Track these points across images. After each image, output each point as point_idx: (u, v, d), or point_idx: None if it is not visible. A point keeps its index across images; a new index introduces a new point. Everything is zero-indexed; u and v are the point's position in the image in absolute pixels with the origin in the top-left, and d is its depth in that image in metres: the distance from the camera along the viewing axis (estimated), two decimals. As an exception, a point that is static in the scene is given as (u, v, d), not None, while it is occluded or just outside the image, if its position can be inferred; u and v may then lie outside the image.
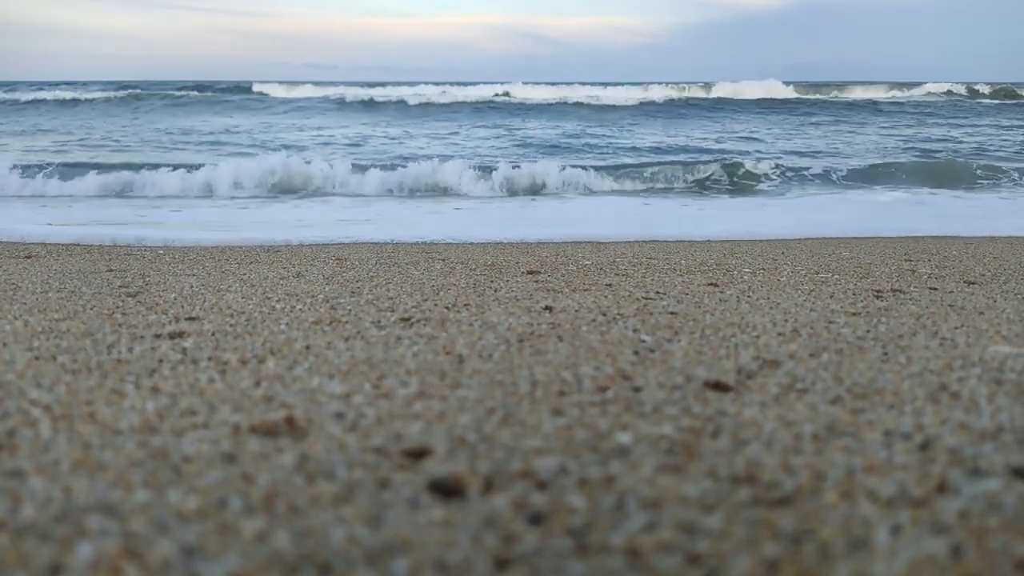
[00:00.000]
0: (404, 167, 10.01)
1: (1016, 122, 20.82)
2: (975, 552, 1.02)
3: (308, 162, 10.08)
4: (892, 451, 1.38)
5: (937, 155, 13.54)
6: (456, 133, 17.37)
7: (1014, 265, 4.20)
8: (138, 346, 2.12)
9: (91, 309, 2.67)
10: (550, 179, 9.98)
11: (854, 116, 22.30)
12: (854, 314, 2.66)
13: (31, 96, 26.55)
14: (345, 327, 2.38)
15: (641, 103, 24.93)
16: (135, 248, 4.96)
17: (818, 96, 32.01)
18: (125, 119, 20.32)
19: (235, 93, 32.63)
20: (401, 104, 24.60)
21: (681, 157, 12.96)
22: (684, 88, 35.27)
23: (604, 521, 1.12)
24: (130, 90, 29.68)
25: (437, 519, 1.12)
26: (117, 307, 2.71)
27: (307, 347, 2.11)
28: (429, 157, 10.75)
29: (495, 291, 3.10)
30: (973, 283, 3.52)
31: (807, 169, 11.19)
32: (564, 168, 10.32)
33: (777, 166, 11.11)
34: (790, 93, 32.56)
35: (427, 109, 23.40)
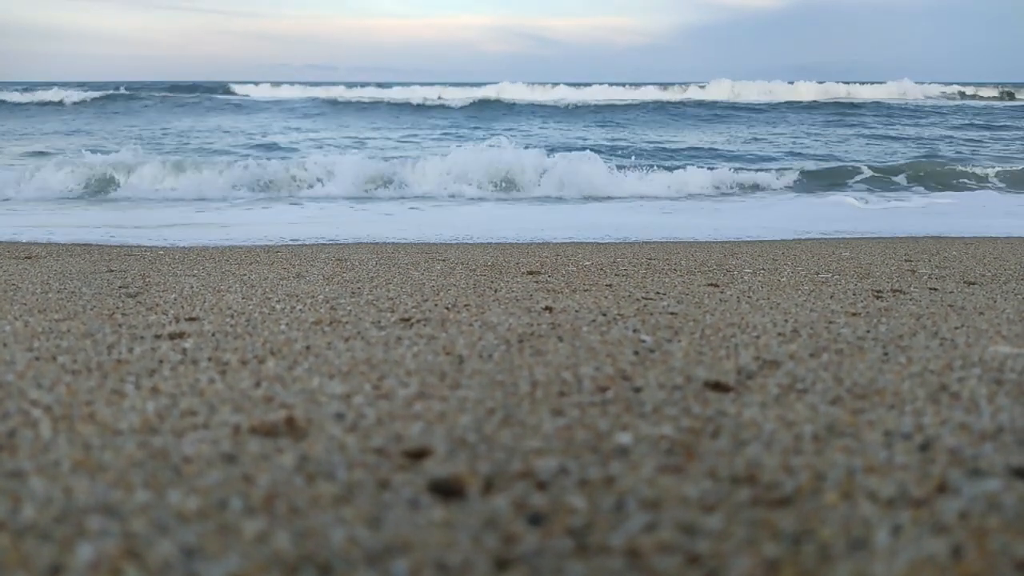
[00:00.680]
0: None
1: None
2: (975, 552, 1.02)
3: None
4: (892, 451, 1.38)
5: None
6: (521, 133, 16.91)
7: (1014, 265, 4.20)
8: (138, 347, 2.12)
9: (91, 310, 2.67)
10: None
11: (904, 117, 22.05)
12: (854, 314, 2.66)
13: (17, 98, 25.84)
14: (345, 328, 2.38)
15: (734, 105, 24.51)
16: (135, 249, 4.96)
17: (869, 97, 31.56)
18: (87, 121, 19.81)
19: (215, 94, 32.14)
20: (405, 105, 24.53)
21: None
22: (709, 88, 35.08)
23: (604, 522, 1.12)
24: (94, 92, 28.71)
25: (437, 520, 1.12)
26: (117, 307, 2.71)
27: (307, 347, 2.11)
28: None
29: (495, 291, 3.10)
30: (973, 283, 3.52)
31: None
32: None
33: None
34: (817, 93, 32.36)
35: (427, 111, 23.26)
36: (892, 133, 18.06)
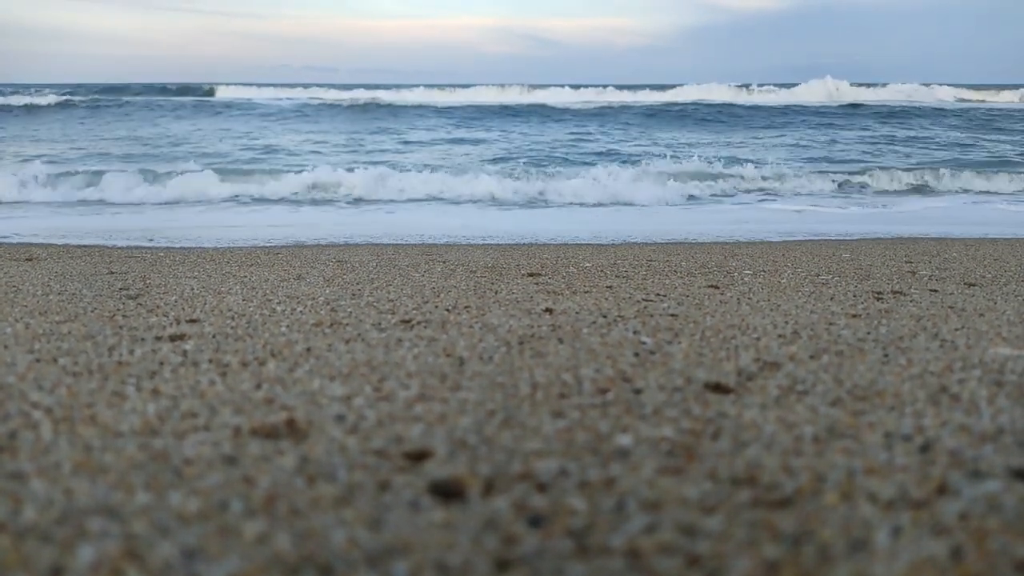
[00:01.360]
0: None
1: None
2: (975, 554, 1.02)
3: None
4: (892, 453, 1.38)
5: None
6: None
7: (1014, 267, 4.20)
8: (139, 348, 2.12)
9: (92, 311, 2.68)
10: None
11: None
12: (854, 316, 2.66)
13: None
14: (346, 329, 2.38)
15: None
16: (136, 250, 4.97)
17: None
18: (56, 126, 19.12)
19: (192, 95, 31.53)
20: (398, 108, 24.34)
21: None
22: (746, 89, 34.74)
23: (604, 523, 1.12)
24: (69, 96, 27.97)
25: (438, 521, 1.12)
26: (118, 309, 2.71)
27: (308, 349, 2.11)
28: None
29: (496, 293, 3.10)
30: (973, 285, 3.52)
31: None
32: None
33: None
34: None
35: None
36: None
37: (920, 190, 10.08)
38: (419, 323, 2.48)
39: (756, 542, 1.06)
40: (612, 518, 1.13)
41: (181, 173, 9.44)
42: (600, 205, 8.52)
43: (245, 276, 3.65)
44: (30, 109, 23.02)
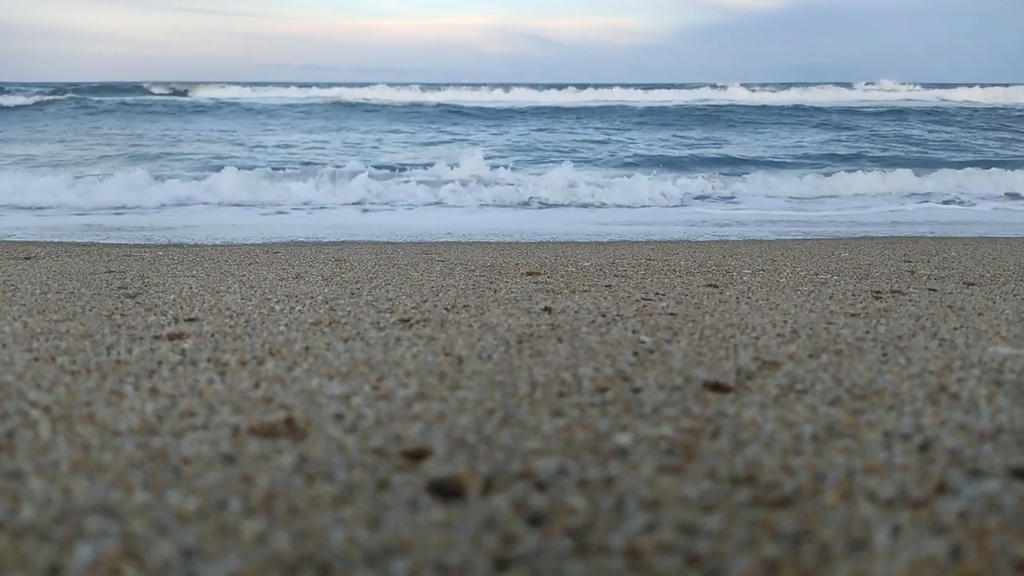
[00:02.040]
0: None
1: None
2: (975, 553, 1.02)
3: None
4: (892, 452, 1.38)
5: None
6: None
7: (1013, 266, 4.21)
8: (137, 347, 2.12)
9: (90, 310, 2.67)
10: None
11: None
12: (853, 315, 2.66)
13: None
14: (344, 328, 2.37)
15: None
16: (134, 249, 4.96)
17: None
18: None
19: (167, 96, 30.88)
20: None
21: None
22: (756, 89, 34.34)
23: (604, 522, 1.12)
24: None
25: (437, 520, 1.12)
26: (116, 308, 2.71)
27: (306, 348, 2.11)
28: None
29: (494, 292, 3.10)
30: (972, 284, 3.52)
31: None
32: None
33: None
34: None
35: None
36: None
37: None
38: (418, 322, 2.47)
39: (756, 541, 1.06)
40: (611, 517, 1.13)
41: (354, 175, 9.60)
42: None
43: (244, 275, 3.65)
44: (40, 106, 22.82)
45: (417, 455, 1.36)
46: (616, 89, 35.91)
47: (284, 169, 10.82)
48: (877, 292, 3.21)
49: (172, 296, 2.98)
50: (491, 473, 1.28)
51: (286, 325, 2.42)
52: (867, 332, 2.37)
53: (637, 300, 2.92)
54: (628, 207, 8.49)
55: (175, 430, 1.47)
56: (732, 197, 9.20)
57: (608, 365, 1.95)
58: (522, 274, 3.70)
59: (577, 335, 2.29)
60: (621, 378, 1.84)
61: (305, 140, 16.24)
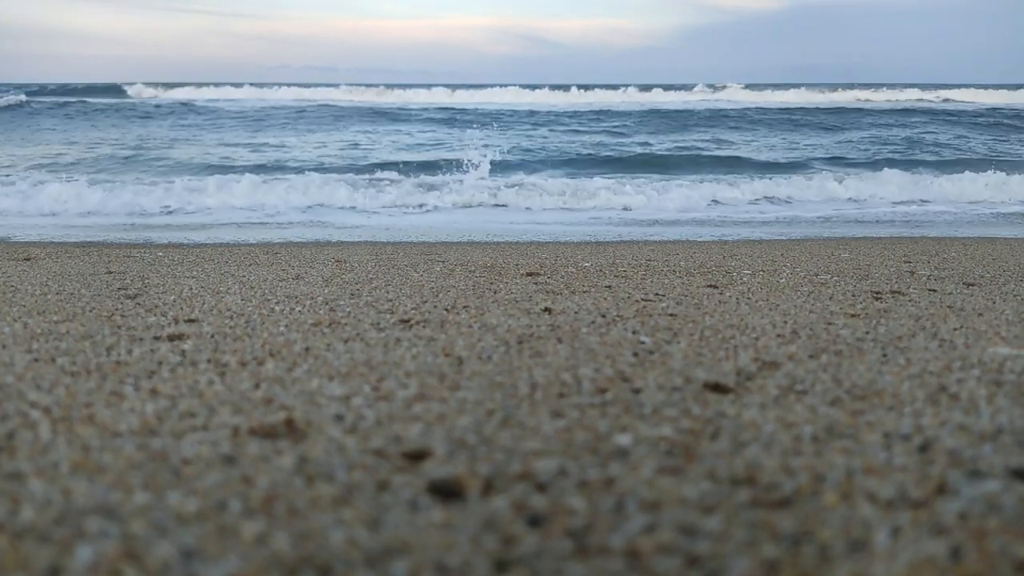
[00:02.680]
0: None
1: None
2: (975, 553, 1.02)
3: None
4: (892, 453, 1.38)
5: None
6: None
7: (1013, 267, 4.21)
8: (137, 348, 2.12)
9: (90, 311, 2.67)
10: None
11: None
12: (853, 316, 2.66)
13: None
14: (344, 329, 2.37)
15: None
16: (134, 250, 4.96)
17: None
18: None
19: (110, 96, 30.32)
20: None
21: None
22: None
23: (604, 523, 1.12)
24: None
25: (437, 521, 1.12)
26: (116, 309, 2.71)
27: (306, 349, 2.11)
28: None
29: (494, 293, 3.10)
30: (972, 285, 3.52)
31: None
32: None
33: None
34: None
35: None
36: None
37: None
38: (418, 323, 2.47)
39: (755, 542, 1.06)
40: (611, 518, 1.13)
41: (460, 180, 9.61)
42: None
43: (244, 276, 3.65)
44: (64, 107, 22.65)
45: (417, 456, 1.36)
46: (630, 90, 35.87)
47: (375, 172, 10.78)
48: (877, 292, 3.21)
49: (172, 297, 2.98)
50: (491, 474, 1.28)
51: (286, 326, 2.42)
52: (867, 333, 2.37)
53: (637, 301, 2.92)
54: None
55: (175, 431, 1.47)
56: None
57: (608, 366, 1.95)
58: (522, 275, 3.70)
59: (577, 336, 2.29)
60: (621, 379, 1.84)
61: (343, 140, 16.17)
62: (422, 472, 1.29)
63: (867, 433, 1.48)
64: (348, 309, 2.71)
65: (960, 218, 7.96)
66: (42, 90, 32.99)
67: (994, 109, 24.91)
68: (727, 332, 2.36)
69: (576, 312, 2.67)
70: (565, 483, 1.25)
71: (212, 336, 2.27)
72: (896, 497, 1.19)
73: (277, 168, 12.18)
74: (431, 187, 9.35)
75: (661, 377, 1.85)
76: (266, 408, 1.61)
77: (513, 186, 9.42)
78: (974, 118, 21.63)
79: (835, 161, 13.78)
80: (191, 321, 2.50)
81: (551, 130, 18.82)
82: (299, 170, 11.68)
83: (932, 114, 22.90)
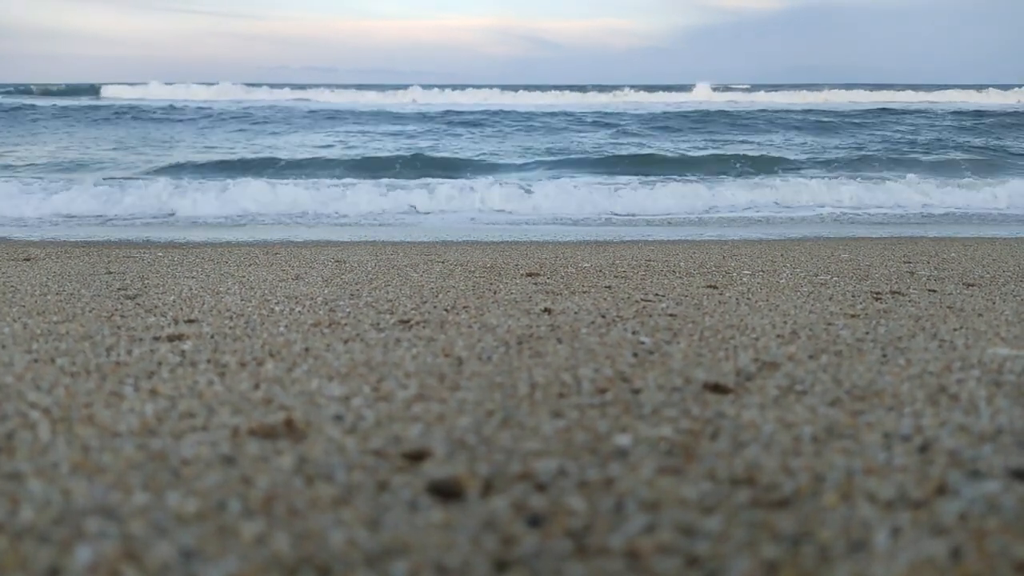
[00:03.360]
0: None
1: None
2: (975, 554, 1.02)
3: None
4: (891, 453, 1.38)
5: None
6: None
7: (1013, 267, 4.21)
8: (137, 348, 2.12)
9: (90, 311, 2.67)
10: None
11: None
12: (853, 316, 2.66)
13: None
14: (344, 329, 2.37)
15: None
16: (134, 250, 4.96)
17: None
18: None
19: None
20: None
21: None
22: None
23: (603, 523, 1.12)
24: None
25: (436, 521, 1.12)
26: (116, 309, 2.71)
27: (306, 349, 2.11)
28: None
29: (494, 293, 3.10)
30: (972, 285, 3.52)
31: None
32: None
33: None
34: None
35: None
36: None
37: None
38: (418, 323, 2.47)
39: (755, 542, 1.06)
40: (611, 518, 1.13)
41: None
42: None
43: (243, 276, 3.65)
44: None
45: (417, 456, 1.35)
46: (632, 91, 35.87)
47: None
48: (877, 293, 3.21)
49: (172, 297, 2.98)
50: (491, 474, 1.28)
51: (286, 326, 2.42)
52: (867, 333, 2.37)
53: (637, 301, 2.92)
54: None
55: (175, 431, 1.47)
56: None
57: (608, 366, 1.95)
58: (522, 275, 3.70)
59: (577, 336, 2.29)
60: (621, 379, 1.84)
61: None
62: (422, 472, 1.29)
63: (867, 433, 1.48)
64: (348, 309, 2.71)
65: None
66: (42, 91, 32.90)
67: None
68: (727, 332, 2.36)
69: (576, 312, 2.67)
70: (565, 483, 1.25)
71: (212, 336, 2.27)
72: (896, 497, 1.19)
73: (277, 168, 12.18)
74: (431, 187, 9.36)
75: (661, 377, 1.85)
76: (266, 408, 1.61)
77: (513, 186, 9.44)
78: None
79: (898, 164, 13.36)
80: (191, 321, 2.50)
81: (551, 130, 18.86)
82: (299, 170, 11.71)
83: (961, 115, 22.79)
